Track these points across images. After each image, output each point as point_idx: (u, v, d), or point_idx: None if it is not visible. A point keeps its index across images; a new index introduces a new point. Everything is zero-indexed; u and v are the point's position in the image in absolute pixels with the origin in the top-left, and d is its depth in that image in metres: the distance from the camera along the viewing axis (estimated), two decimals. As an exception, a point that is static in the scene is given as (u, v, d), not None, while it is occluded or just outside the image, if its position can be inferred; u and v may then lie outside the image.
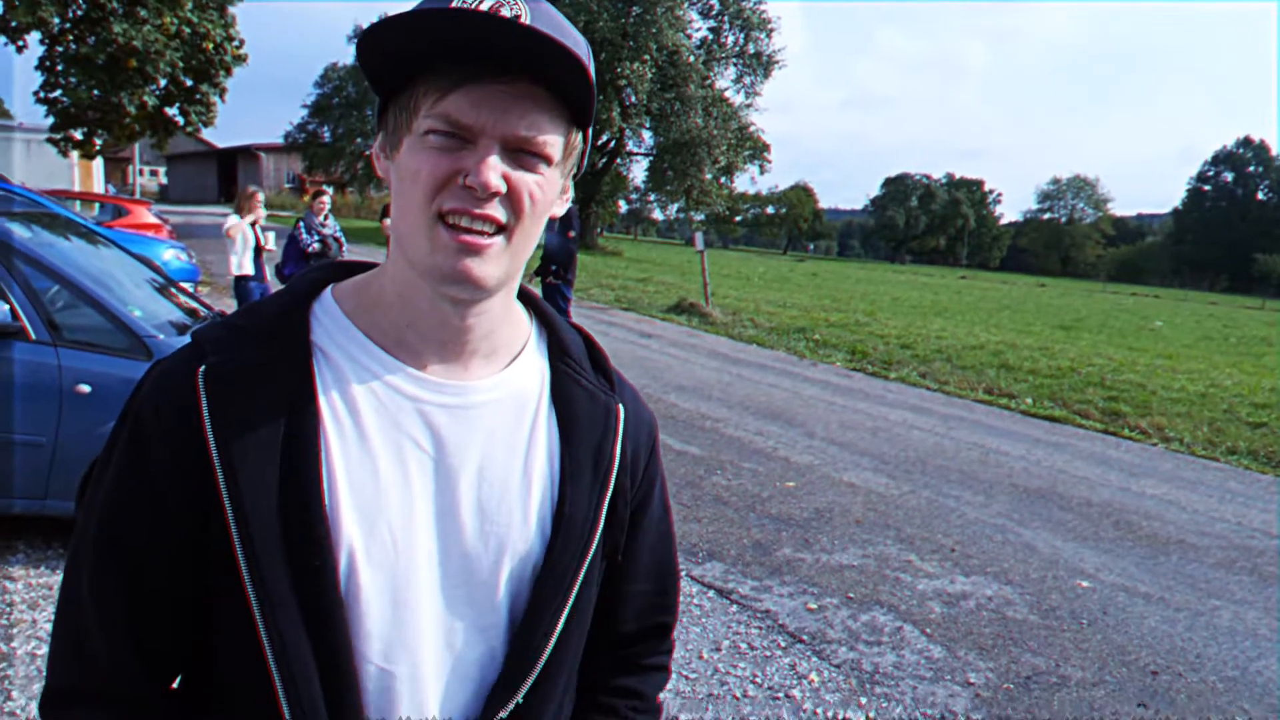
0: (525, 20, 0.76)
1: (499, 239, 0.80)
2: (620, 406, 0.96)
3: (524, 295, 0.98)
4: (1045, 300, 35.91)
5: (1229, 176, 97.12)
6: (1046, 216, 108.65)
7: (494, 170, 0.78)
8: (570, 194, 0.92)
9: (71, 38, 18.56)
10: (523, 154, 0.80)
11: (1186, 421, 9.22)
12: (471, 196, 0.78)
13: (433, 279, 0.81)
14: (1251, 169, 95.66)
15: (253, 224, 8.08)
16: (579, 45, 0.81)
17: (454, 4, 0.76)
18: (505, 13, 0.76)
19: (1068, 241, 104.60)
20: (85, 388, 3.78)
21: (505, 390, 0.90)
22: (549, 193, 0.83)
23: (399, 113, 0.82)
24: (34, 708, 3.00)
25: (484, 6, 0.76)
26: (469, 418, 0.87)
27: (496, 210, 0.79)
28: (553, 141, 0.81)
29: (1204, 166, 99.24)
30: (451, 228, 0.79)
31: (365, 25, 0.75)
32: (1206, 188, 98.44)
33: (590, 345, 1.00)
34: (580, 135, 0.86)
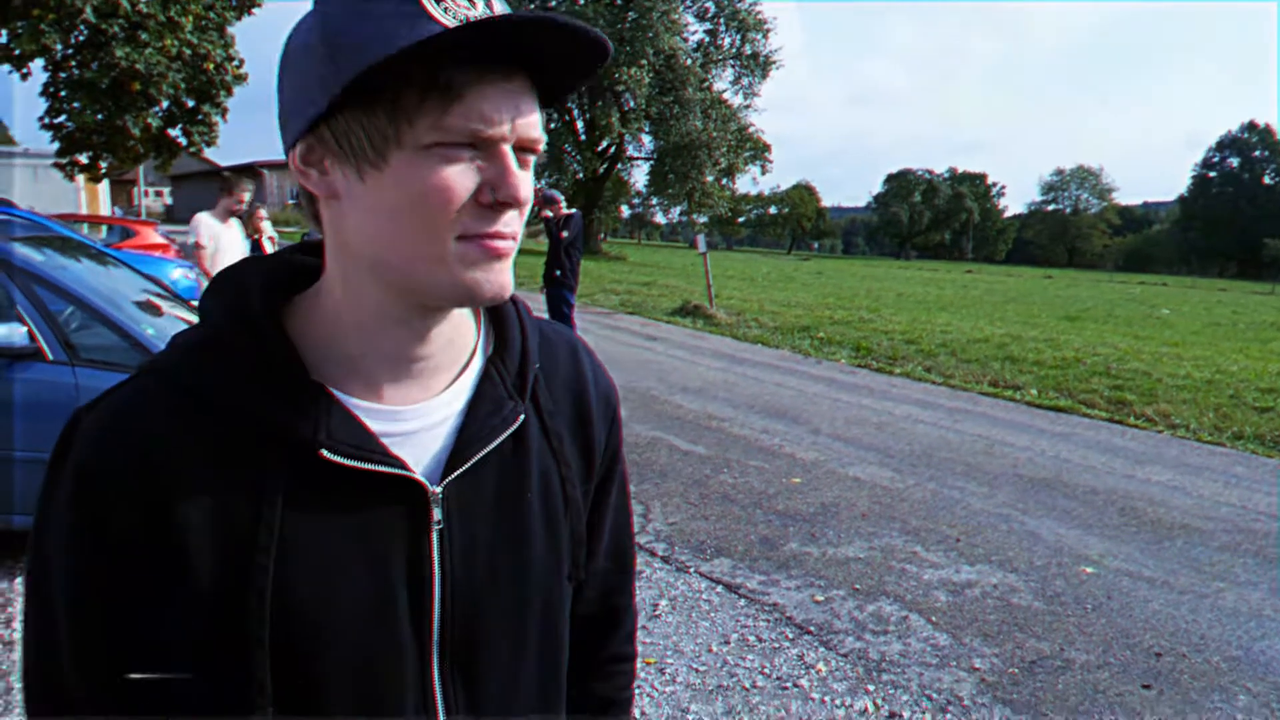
0: (497, 9, 0.70)
1: (514, 246, 0.74)
2: (520, 416, 0.83)
3: None
4: (1052, 292, 35.89)
5: (1234, 162, 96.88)
6: (1051, 208, 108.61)
7: (525, 183, 0.71)
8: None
9: (74, 63, 18.78)
10: (524, 153, 0.73)
11: (1192, 408, 9.25)
12: (494, 214, 0.71)
13: (454, 299, 0.74)
14: (1257, 153, 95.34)
15: (255, 240, 8.18)
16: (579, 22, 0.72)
17: (432, 11, 0.67)
18: (481, 5, 0.69)
19: (1073, 232, 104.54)
20: (102, 405, 3.87)
21: (462, 402, 0.81)
22: None
23: (379, 121, 0.69)
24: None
25: (484, 11, 0.69)
26: (431, 440, 0.79)
27: (516, 225, 0.73)
28: (541, 135, 0.74)
29: (1209, 152, 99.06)
30: (478, 240, 0.71)
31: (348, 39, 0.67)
32: (1212, 174, 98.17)
33: (523, 337, 0.88)
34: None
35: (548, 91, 0.74)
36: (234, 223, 6.62)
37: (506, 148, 0.70)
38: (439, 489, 0.77)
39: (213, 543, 0.72)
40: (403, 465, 0.76)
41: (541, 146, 0.73)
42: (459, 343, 0.82)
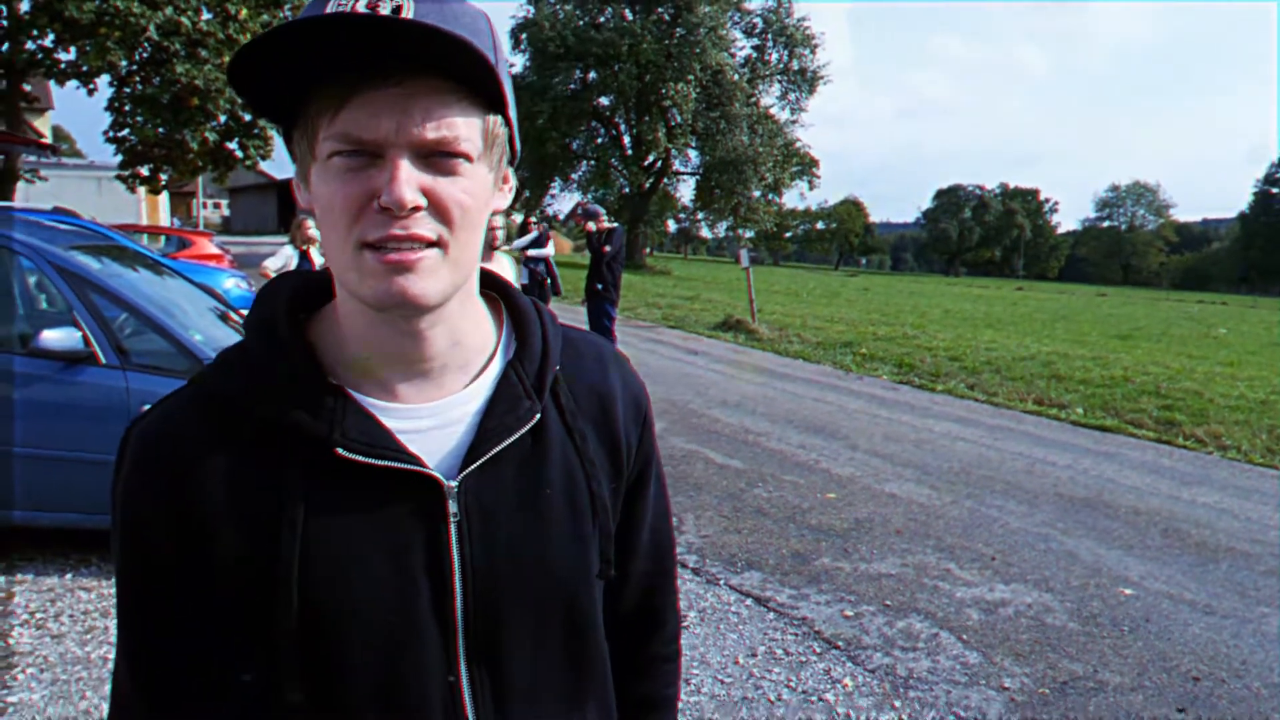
0: (407, 13, 0.70)
1: (432, 251, 0.74)
2: (536, 414, 0.85)
3: (501, 290, 0.93)
4: (1105, 310, 35.15)
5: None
6: (1106, 224, 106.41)
7: (407, 185, 0.71)
8: (512, 184, 0.86)
9: (138, 79, 19.43)
10: (438, 157, 0.73)
11: (1245, 429, 9.02)
12: (391, 219, 0.71)
13: (372, 306, 0.76)
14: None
15: (304, 250, 8.34)
16: (473, 26, 0.75)
17: (329, 9, 0.70)
18: (384, 9, 0.69)
19: (1129, 250, 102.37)
20: (151, 408, 4.01)
21: (480, 401, 0.84)
22: (478, 193, 0.76)
23: (301, 140, 0.76)
24: (105, 708, 3.21)
25: (360, 7, 0.69)
26: (447, 437, 0.82)
27: (423, 227, 0.72)
28: (468, 136, 0.74)
29: (1271, 168, 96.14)
30: (377, 249, 0.72)
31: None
32: (1275, 190, 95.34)
33: (544, 340, 0.90)
34: (500, 120, 0.78)
35: (485, 93, 0.75)
36: (499, 256, 6.38)
37: (396, 152, 0.71)
38: (455, 483, 0.80)
39: (239, 542, 0.77)
40: (417, 461, 0.79)
41: (464, 147, 0.74)
42: (469, 344, 0.84)
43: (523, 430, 0.84)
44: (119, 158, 20.84)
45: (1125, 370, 12.56)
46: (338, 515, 0.77)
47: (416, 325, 0.79)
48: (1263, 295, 75.91)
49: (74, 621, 3.77)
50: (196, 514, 0.77)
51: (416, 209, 0.72)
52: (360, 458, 0.77)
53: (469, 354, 0.85)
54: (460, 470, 0.81)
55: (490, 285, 0.92)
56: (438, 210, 0.73)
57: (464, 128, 0.73)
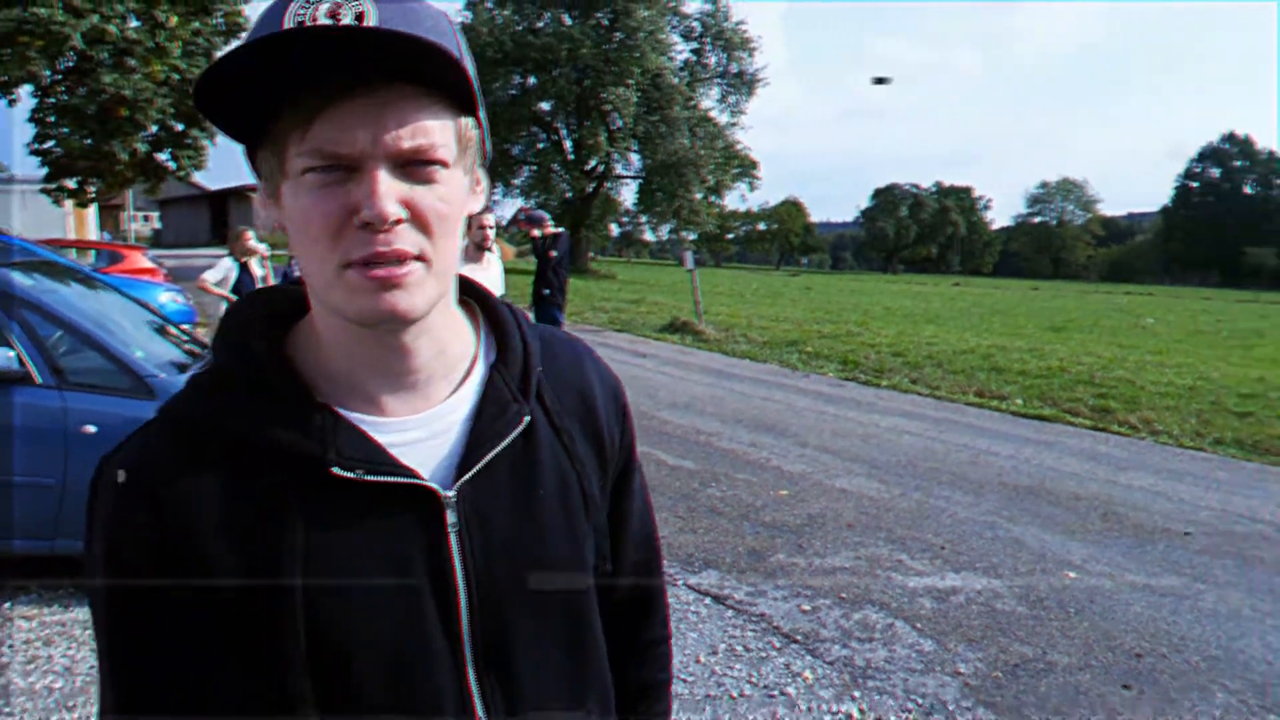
0: (370, 20, 0.68)
1: (417, 265, 0.72)
2: (525, 417, 0.85)
3: (479, 297, 0.92)
4: (1038, 303, 36.09)
5: (1216, 172, 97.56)
6: (1037, 220, 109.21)
7: (387, 198, 0.69)
8: (484, 185, 0.84)
9: (62, 89, 18.86)
10: (415, 165, 0.71)
11: (1174, 415, 9.35)
12: (373, 235, 0.70)
13: (358, 323, 0.75)
14: (1238, 164, 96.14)
15: (244, 263, 8.16)
16: (437, 27, 0.73)
17: (287, 23, 0.68)
18: (346, 17, 0.68)
19: (1058, 244, 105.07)
20: (91, 428, 3.91)
21: (467, 408, 0.84)
22: (455, 199, 0.75)
23: (268, 157, 0.74)
24: (53, 737, 3.12)
25: (321, 17, 0.68)
26: (438, 446, 0.81)
27: (404, 242, 0.71)
28: (442, 142, 0.73)
29: (1190, 163, 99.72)
30: (361, 266, 0.71)
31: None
32: (1194, 184, 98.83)
33: (523, 343, 0.89)
34: (471, 122, 0.78)
35: (457, 96, 0.74)
36: (490, 259, 6.38)
37: (373, 164, 0.69)
38: (452, 493, 0.79)
39: (236, 566, 0.74)
40: (413, 474, 0.78)
41: (441, 154, 0.72)
42: (453, 352, 0.84)
43: (513, 435, 0.83)
44: (44, 170, 20.21)
45: (1061, 361, 12.93)
46: (337, 535, 0.76)
47: (401, 338, 0.78)
48: (1183, 285, 78.62)
49: (14, 651, 3.65)
50: (186, 538, 0.74)
51: (398, 222, 0.70)
52: (356, 475, 0.75)
53: (452, 362, 0.84)
54: (455, 479, 0.80)
55: (464, 291, 0.91)
56: (418, 221, 0.72)
57: (439, 133, 0.72)
